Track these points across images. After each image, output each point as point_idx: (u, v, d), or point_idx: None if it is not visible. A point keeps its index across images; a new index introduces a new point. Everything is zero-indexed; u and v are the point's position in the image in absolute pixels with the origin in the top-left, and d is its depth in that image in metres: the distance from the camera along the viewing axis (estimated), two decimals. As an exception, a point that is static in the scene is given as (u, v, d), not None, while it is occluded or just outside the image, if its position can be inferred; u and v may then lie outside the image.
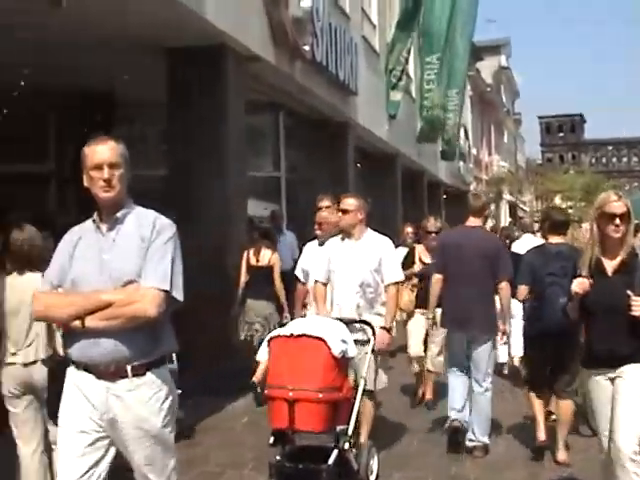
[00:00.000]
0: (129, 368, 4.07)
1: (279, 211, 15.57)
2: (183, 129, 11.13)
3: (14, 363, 6.09)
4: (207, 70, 10.95)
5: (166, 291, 4.08)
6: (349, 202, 7.61)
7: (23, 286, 5.92)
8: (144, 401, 4.13)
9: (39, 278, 5.13)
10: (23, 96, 12.86)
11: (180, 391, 8.35)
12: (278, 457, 6.18)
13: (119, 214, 4.20)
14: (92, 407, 4.12)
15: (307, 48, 13.22)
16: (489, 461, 7.83)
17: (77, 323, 4.02)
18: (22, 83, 12.20)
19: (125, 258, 4.10)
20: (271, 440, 6.12)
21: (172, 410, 4.28)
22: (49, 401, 5.81)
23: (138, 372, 4.09)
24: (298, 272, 9.04)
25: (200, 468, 7.61)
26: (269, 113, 16.55)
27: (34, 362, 6.06)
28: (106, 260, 4.11)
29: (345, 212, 7.58)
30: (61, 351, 5.08)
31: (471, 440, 8.01)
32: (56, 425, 4.46)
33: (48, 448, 6.20)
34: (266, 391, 6.12)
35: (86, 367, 4.11)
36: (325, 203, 8.95)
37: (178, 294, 4.15)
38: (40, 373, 6.04)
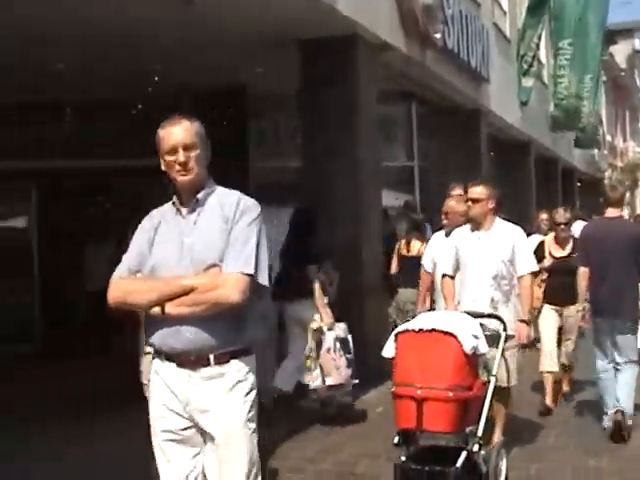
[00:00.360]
0: (212, 357, 3.82)
1: (412, 201, 15.42)
2: (315, 121, 11.00)
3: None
4: (338, 61, 10.77)
5: (250, 275, 3.79)
6: (478, 190, 7.27)
7: None
8: (226, 390, 3.85)
9: None
10: (156, 91, 13.04)
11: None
12: (403, 458, 5.87)
13: (199, 195, 3.94)
14: (175, 398, 3.89)
15: (438, 36, 12.92)
16: (628, 454, 7.53)
17: (157, 310, 3.78)
18: (156, 79, 12.42)
19: (207, 241, 3.84)
20: (395, 440, 5.83)
21: (255, 402, 3.96)
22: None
23: (221, 360, 3.84)
24: (425, 261, 8.76)
25: (335, 457, 7.55)
26: (401, 102, 16.32)
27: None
28: (187, 244, 3.86)
29: (475, 201, 7.23)
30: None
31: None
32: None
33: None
34: (393, 389, 5.83)
35: (167, 356, 3.89)
36: (457, 192, 8.62)
37: (263, 279, 3.87)
38: None
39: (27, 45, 9.95)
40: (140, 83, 12.62)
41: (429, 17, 12.46)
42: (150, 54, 11.03)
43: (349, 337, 8.67)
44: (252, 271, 3.79)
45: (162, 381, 3.94)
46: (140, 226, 4.08)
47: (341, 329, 8.71)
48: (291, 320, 9.14)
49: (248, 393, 3.91)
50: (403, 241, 10.89)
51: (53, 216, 14.49)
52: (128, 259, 4.01)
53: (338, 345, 8.52)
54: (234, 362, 3.86)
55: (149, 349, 5.91)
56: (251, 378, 3.93)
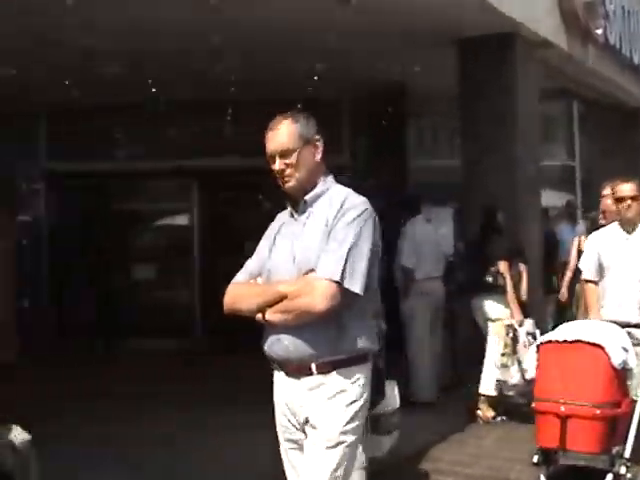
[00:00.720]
0: (313, 366, 3.63)
1: (574, 201, 15.09)
2: (474, 119, 10.80)
3: None
4: (497, 59, 10.55)
5: (338, 282, 3.54)
6: (628, 189, 6.72)
7: None
8: (325, 399, 3.64)
9: None
10: (316, 91, 13.02)
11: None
12: (543, 478, 5.55)
13: (307, 197, 3.76)
14: (287, 407, 3.77)
15: (599, 32, 12.58)
16: None
17: (259, 316, 3.67)
18: (315, 78, 12.45)
19: (308, 244, 3.67)
20: (535, 459, 5.52)
21: (360, 415, 3.71)
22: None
23: (323, 370, 3.63)
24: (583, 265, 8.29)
25: (488, 462, 7.33)
26: (561, 100, 15.91)
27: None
28: (295, 247, 3.71)
29: (625, 200, 6.68)
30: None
31: None
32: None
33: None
34: (534, 404, 5.52)
35: (278, 364, 3.77)
36: (608, 191, 8.04)
37: (354, 285, 3.57)
38: None
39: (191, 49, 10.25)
40: (300, 83, 12.61)
41: (590, 13, 12.09)
42: (311, 54, 11.05)
43: (537, 332, 8.51)
44: (338, 278, 3.54)
45: (278, 390, 3.85)
46: (267, 230, 4.00)
47: (530, 324, 8.64)
48: (479, 316, 9.09)
49: (350, 404, 3.67)
50: (582, 237, 10.33)
51: (214, 214, 14.80)
52: (251, 263, 3.95)
53: (530, 340, 8.41)
54: (337, 372, 3.64)
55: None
56: (356, 389, 3.68)
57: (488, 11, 9.40)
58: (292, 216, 3.86)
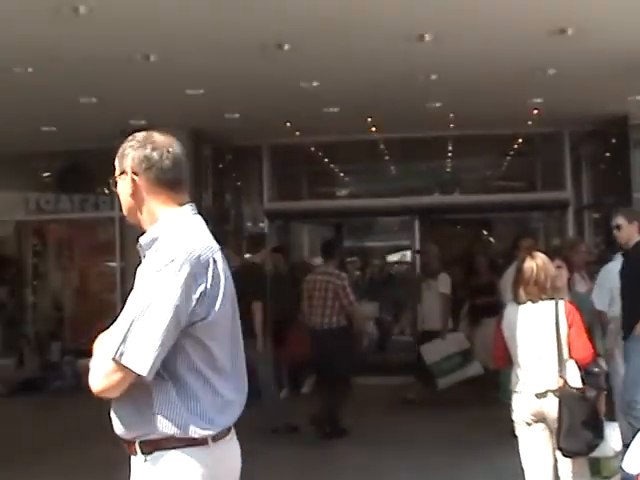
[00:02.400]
0: (137, 444, 2.97)
1: None
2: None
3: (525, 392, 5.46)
4: None
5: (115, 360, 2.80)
6: None
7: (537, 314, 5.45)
8: None
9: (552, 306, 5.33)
10: (536, 124, 12.73)
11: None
12: None
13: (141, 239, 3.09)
14: None
15: None
16: None
17: None
18: (535, 112, 11.91)
19: None
20: None
21: None
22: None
23: (144, 450, 2.98)
24: None
25: None
26: None
27: (544, 393, 5.34)
28: None
29: None
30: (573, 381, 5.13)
31: None
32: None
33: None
34: None
35: None
36: None
37: (132, 363, 2.78)
38: (551, 404, 5.32)
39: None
40: (520, 117, 12.27)
41: None
42: (529, 88, 10.66)
43: None
44: (114, 354, 2.79)
45: None
46: None
47: None
48: None
49: None
50: None
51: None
52: None
53: None
54: (158, 453, 2.92)
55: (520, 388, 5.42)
56: (176, 476, 2.91)
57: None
58: None
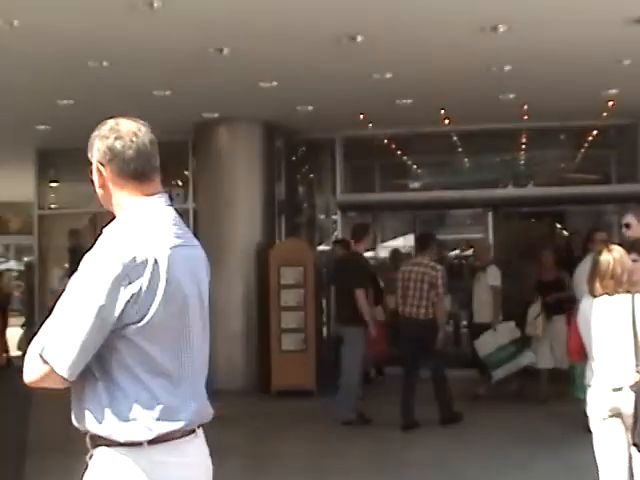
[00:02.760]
0: (87, 438, 2.87)
1: None
2: None
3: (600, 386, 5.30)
4: None
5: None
6: None
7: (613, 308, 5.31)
8: None
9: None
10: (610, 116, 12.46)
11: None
12: None
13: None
14: None
15: None
16: None
17: None
18: (610, 104, 11.67)
19: None
20: None
21: None
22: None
23: (91, 443, 2.88)
24: None
25: None
26: None
27: (620, 388, 5.18)
28: None
29: None
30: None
31: None
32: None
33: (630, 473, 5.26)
34: None
35: None
36: None
37: (53, 361, 2.70)
38: (626, 398, 5.14)
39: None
40: (594, 109, 12.05)
41: None
42: (604, 79, 10.54)
43: None
44: (39, 349, 2.71)
45: None
46: None
47: None
48: None
49: None
50: None
51: (505, 240, 14.27)
52: None
53: None
54: (99, 449, 2.83)
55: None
56: (107, 475, 2.79)
57: None
58: None
